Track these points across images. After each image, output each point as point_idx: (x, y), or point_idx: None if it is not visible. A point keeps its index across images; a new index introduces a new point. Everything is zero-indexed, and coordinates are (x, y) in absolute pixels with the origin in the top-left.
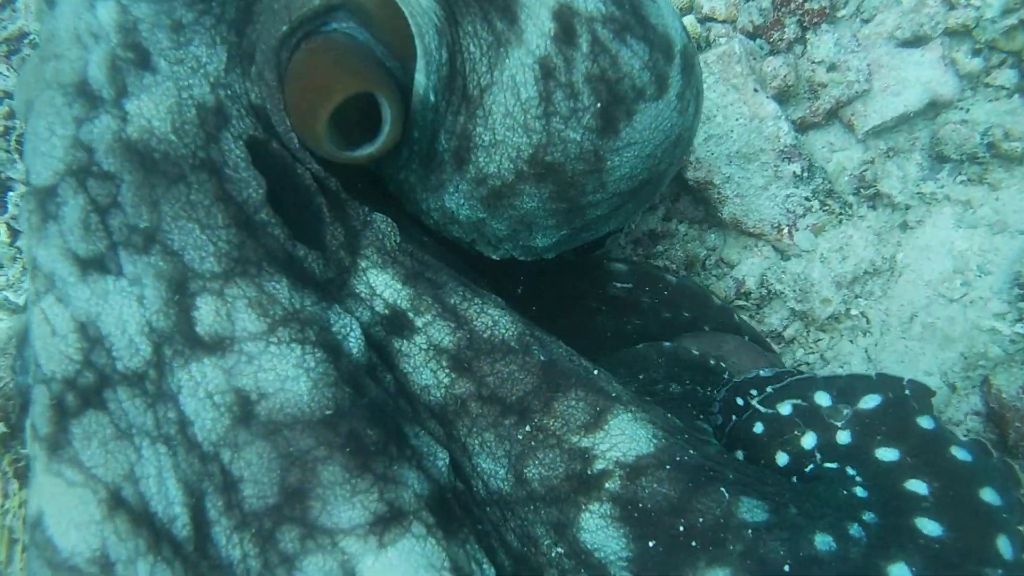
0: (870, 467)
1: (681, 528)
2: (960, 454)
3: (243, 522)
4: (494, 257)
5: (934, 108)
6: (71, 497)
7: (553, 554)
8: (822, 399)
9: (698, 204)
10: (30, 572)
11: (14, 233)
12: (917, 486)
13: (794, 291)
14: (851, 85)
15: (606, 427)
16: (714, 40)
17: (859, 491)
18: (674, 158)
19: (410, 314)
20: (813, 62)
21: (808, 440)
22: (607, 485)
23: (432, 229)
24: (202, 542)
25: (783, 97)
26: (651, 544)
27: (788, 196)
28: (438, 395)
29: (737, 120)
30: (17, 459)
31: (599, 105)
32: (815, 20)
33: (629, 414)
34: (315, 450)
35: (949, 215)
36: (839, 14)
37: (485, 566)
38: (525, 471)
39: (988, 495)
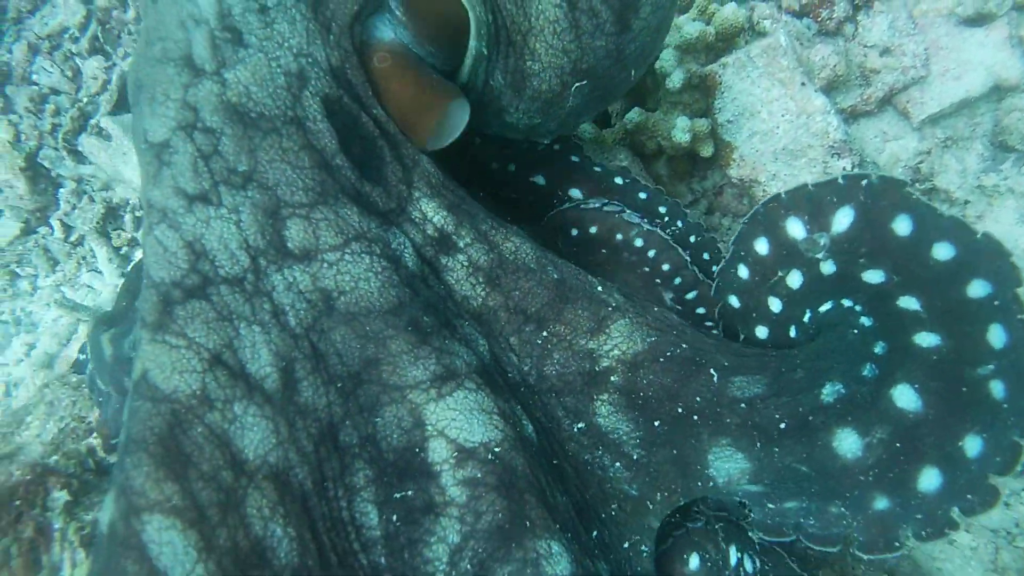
0: (863, 293)
1: (680, 410)
2: (942, 252)
3: (328, 379)
4: (545, 142)
5: (998, 93)
6: (175, 355)
7: (575, 430)
8: (795, 229)
9: (742, 198)
10: (130, 411)
11: (67, 229)
12: (909, 302)
13: None
14: (906, 71)
15: (607, 331)
16: (758, 23)
17: (864, 321)
18: (669, 21)
19: (454, 237)
20: (865, 46)
21: (794, 279)
22: (612, 379)
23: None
24: (290, 393)
25: (832, 86)
26: (656, 424)
27: None
28: (475, 304)
29: (783, 116)
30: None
31: (614, 13)
32: None
33: (627, 319)
34: (385, 331)
35: (1013, 209)
36: None
37: (524, 421)
38: (544, 368)
39: (975, 288)
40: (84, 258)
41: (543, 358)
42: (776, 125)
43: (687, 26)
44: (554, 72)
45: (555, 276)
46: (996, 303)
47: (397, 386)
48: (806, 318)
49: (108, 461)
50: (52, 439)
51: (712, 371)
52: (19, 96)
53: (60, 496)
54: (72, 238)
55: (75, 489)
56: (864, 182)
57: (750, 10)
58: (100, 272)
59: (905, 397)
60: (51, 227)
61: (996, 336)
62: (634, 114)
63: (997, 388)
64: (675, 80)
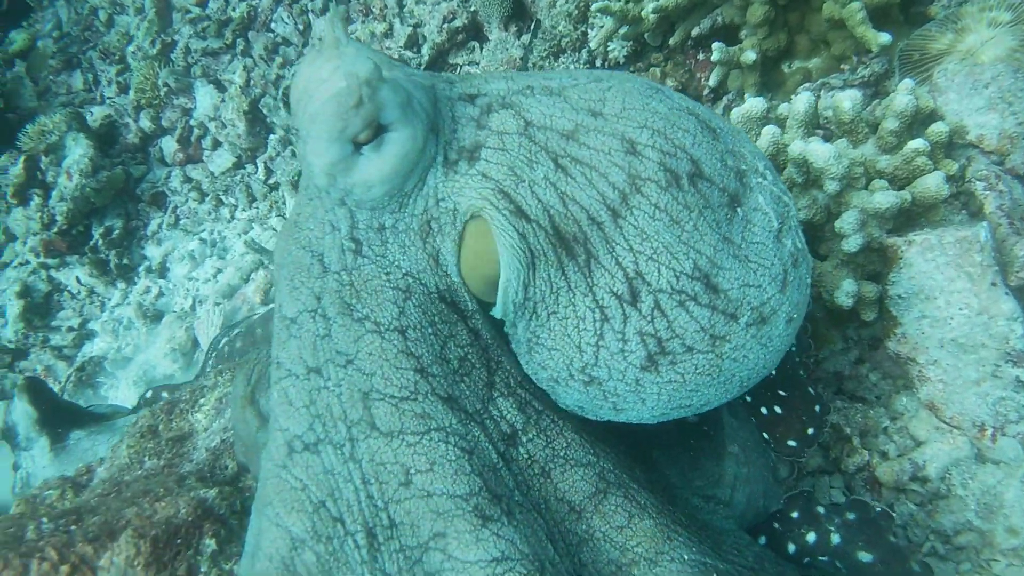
0: (853, 565)
1: None
2: (916, 568)
3: (400, 548)
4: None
5: None
6: (293, 494)
7: None
8: (820, 508)
9: (896, 365)
10: (259, 530)
11: (268, 173)
12: None
13: (978, 504)
14: None
15: (633, 528)
16: (970, 179)
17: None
18: (725, 392)
19: (520, 434)
20: None
21: (810, 537)
22: (634, 573)
23: None
24: (373, 552)
25: None
26: None
27: (1002, 399)
28: (533, 494)
29: (961, 309)
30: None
31: (646, 354)
32: None
33: (651, 521)
34: (453, 511)
35: None
36: None
37: None
38: (581, 556)
39: None
40: (276, 203)
41: (580, 546)
42: (951, 316)
43: (879, 195)
44: (562, 357)
45: (599, 469)
46: None
47: (460, 560)
48: (806, 561)
49: (248, 501)
50: (214, 447)
51: None
52: (257, 41)
53: (209, 544)
54: (271, 181)
55: (222, 538)
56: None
57: (966, 161)
58: (285, 219)
59: None
60: (256, 167)
61: None
62: None
63: None
64: (852, 244)
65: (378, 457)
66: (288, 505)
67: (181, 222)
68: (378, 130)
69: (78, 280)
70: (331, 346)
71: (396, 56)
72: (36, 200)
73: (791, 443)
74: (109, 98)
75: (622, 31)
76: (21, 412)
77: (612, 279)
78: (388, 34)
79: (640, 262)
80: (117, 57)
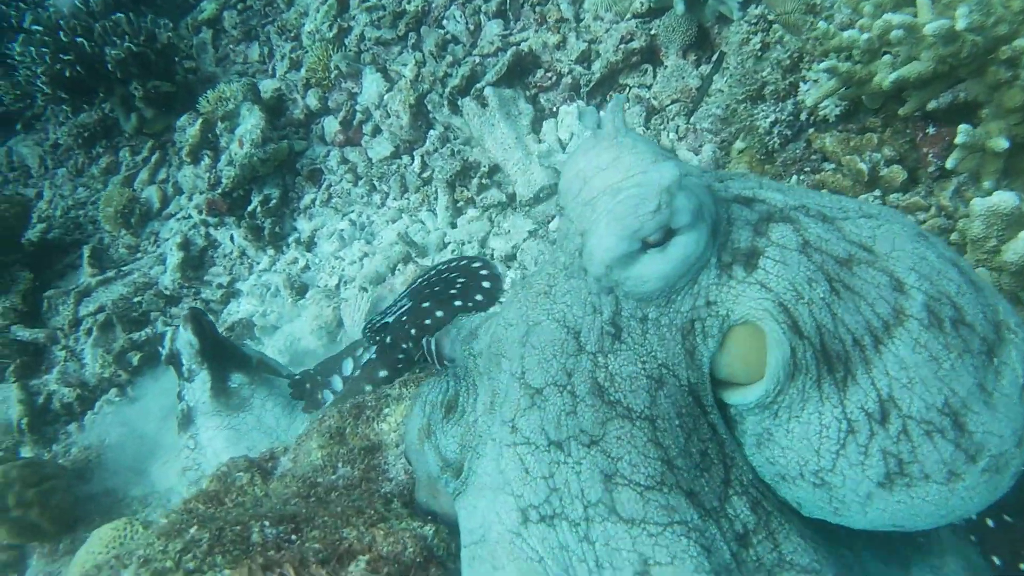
0: None
1: None
2: None
3: None
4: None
5: None
6: (528, 565)
7: None
8: None
9: None
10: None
11: (424, 166)
12: None
13: None
14: None
15: None
16: None
17: None
18: (939, 520)
19: (751, 535)
20: None
21: None
22: None
23: None
24: None
25: None
26: None
27: None
28: None
29: None
30: None
31: (885, 471)
32: None
33: None
34: None
35: None
36: None
37: None
38: None
39: None
40: (428, 196)
41: None
42: None
43: None
44: (795, 458)
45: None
46: None
47: None
48: None
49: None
50: (402, 470)
51: None
52: (429, 37)
53: None
54: (424, 174)
55: None
56: None
57: None
58: (435, 214)
59: None
60: (412, 159)
61: None
62: None
63: None
64: None
65: (614, 543)
66: (523, 572)
67: (333, 200)
68: (667, 234)
69: (232, 240)
70: (576, 424)
71: (567, 71)
72: (206, 161)
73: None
74: (282, 74)
75: (841, 92)
76: (184, 341)
77: (865, 397)
78: (560, 46)
79: (894, 388)
80: (293, 35)
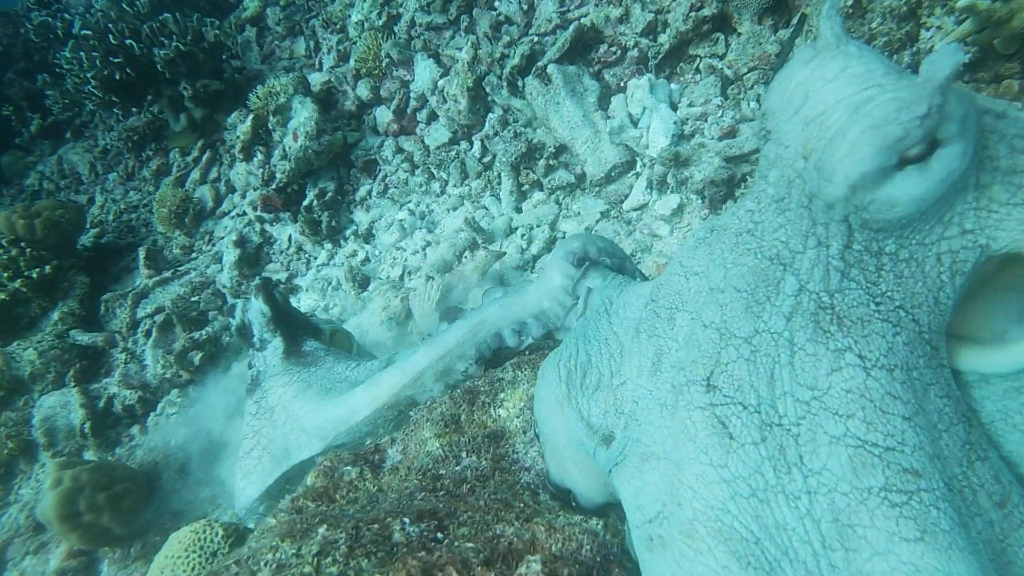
0: None
1: None
2: None
3: None
4: None
5: None
6: (745, 545)
7: None
8: None
9: None
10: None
11: (484, 151)
12: None
13: None
14: None
15: None
16: None
17: None
18: None
19: (1006, 505)
20: None
21: None
22: None
23: None
24: None
25: None
26: None
27: None
28: None
29: None
30: None
31: None
32: None
33: None
34: None
35: None
36: None
37: None
38: None
39: None
40: (491, 181)
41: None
42: None
43: None
44: None
45: None
46: None
47: None
48: None
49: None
50: (538, 458)
51: None
52: (482, 19)
53: None
54: (486, 159)
55: None
56: None
57: None
58: (499, 200)
59: None
60: (472, 144)
61: None
62: None
63: None
64: None
65: (845, 518)
66: (737, 555)
67: (390, 191)
68: (932, 145)
69: (289, 238)
70: (794, 377)
71: (632, 44)
72: (259, 157)
73: None
74: (329, 67)
75: (972, 36)
76: (256, 310)
77: None
78: (624, 19)
79: None
80: (339, 27)
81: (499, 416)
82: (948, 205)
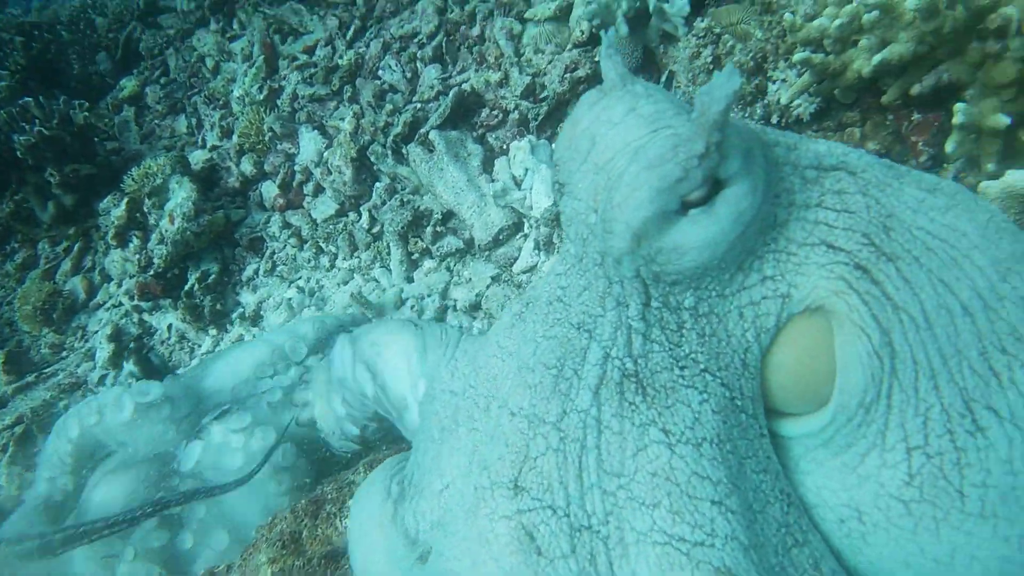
0: None
1: None
2: None
3: None
4: None
5: None
6: None
7: None
8: None
9: None
10: None
11: (372, 221)
12: None
13: None
14: None
15: None
16: None
17: None
18: None
19: None
20: None
21: None
22: None
23: None
24: None
25: None
26: None
27: None
28: None
29: None
30: None
31: None
32: None
33: None
34: None
35: None
36: None
37: None
38: None
39: None
40: (380, 252)
41: None
42: None
43: None
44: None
45: None
46: None
47: None
48: None
49: None
50: None
51: None
52: (365, 88)
53: None
54: (374, 230)
55: None
56: None
57: None
58: (389, 270)
59: None
60: (360, 215)
61: None
62: None
63: None
64: None
65: None
66: None
67: (278, 269)
68: (716, 186)
69: (170, 327)
70: (599, 464)
71: (512, 107)
72: (135, 242)
73: None
74: (213, 144)
75: (814, 87)
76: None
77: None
78: (503, 83)
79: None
80: (222, 102)
81: (345, 528)
82: (747, 250)
